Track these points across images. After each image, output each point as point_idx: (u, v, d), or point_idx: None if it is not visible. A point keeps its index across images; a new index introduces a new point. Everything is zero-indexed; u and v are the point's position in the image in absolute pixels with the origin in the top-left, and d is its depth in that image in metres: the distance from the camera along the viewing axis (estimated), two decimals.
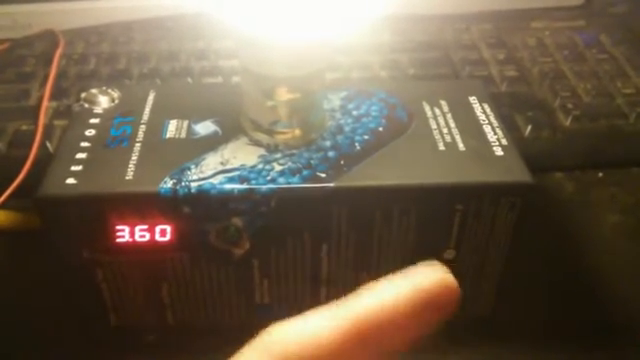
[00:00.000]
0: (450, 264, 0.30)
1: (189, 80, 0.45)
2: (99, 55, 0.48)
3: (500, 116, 0.32)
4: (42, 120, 0.41)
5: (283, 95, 0.28)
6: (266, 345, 0.18)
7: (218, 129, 0.30)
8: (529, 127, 0.42)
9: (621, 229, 0.38)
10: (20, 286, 0.35)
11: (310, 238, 0.29)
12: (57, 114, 0.42)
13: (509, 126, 0.39)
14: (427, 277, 0.19)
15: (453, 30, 0.52)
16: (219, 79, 0.46)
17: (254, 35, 0.27)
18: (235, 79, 0.46)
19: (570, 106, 0.43)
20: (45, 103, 0.42)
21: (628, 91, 0.45)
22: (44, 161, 0.38)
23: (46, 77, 0.45)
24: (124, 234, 0.28)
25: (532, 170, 0.28)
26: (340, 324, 0.18)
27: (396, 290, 0.19)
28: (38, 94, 0.44)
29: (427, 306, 0.19)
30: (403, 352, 0.19)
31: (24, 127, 0.42)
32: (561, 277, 0.35)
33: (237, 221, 0.28)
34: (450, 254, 0.29)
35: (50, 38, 0.49)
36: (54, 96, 0.44)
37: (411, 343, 0.19)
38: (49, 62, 0.47)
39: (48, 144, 0.40)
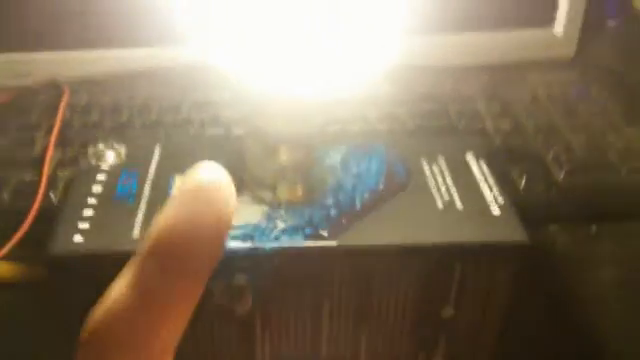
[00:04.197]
0: (449, 321, 0.30)
1: (191, 131, 0.46)
2: (102, 106, 0.49)
3: (496, 171, 0.32)
4: (46, 171, 0.42)
5: (286, 154, 0.29)
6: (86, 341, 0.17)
7: None
8: (523, 180, 0.43)
9: (615, 282, 0.39)
10: (20, 340, 0.35)
11: (312, 295, 0.29)
12: (61, 164, 0.43)
13: (504, 179, 0.40)
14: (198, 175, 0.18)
15: (448, 82, 0.53)
16: (220, 129, 0.47)
17: (258, 94, 0.28)
18: (236, 130, 0.47)
19: (563, 159, 0.44)
20: (49, 154, 0.43)
21: (620, 145, 0.46)
22: (48, 212, 0.39)
23: (50, 127, 0.46)
24: None
25: (527, 223, 0.29)
26: (132, 262, 0.18)
27: (172, 203, 0.18)
28: (42, 144, 0.45)
29: (206, 205, 0.17)
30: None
31: (27, 178, 0.42)
32: (558, 332, 0.35)
33: (240, 278, 0.28)
34: (449, 312, 0.30)
35: (54, 88, 0.50)
36: (58, 146, 0.44)
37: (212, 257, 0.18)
38: (53, 112, 0.47)
39: (52, 195, 0.41)
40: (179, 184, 0.18)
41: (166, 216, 0.17)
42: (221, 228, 0.18)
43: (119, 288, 0.18)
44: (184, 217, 0.17)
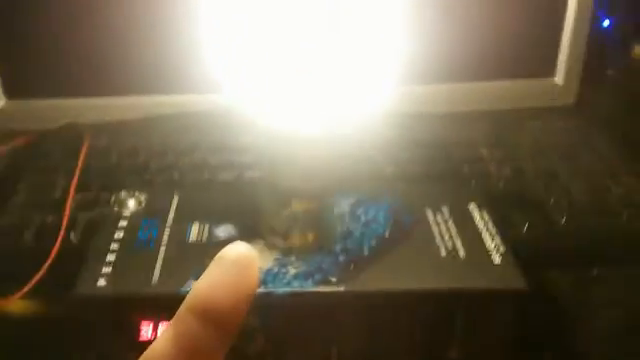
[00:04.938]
0: None
1: (205, 174, 0.48)
2: (120, 150, 0.51)
3: (498, 216, 0.34)
4: (68, 212, 0.43)
5: (298, 205, 0.31)
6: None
7: (236, 233, 0.32)
8: (525, 225, 0.44)
9: (616, 325, 0.40)
10: None
11: (321, 337, 0.31)
12: (80, 206, 0.45)
13: (506, 223, 0.42)
14: (231, 251, 0.22)
15: (452, 129, 0.55)
16: (233, 173, 0.49)
17: (271, 140, 0.30)
18: (248, 173, 0.48)
19: (564, 205, 0.46)
20: (71, 196, 0.44)
21: (620, 191, 0.48)
22: (68, 252, 0.41)
23: (70, 170, 0.48)
24: (147, 331, 0.30)
25: (528, 267, 0.30)
26: (177, 316, 0.21)
27: (209, 271, 0.22)
28: (63, 186, 0.47)
29: (231, 270, 0.22)
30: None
31: (49, 219, 0.44)
32: None
33: (253, 321, 0.30)
34: (453, 354, 0.31)
35: (74, 131, 0.52)
36: (78, 189, 0.46)
37: (241, 312, 0.22)
38: (73, 155, 0.49)
39: (72, 236, 0.42)
40: (219, 256, 0.22)
41: (208, 281, 0.21)
42: (249, 294, 0.22)
43: (162, 343, 0.21)
44: (223, 283, 0.21)
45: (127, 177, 0.48)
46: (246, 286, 0.22)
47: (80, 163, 0.47)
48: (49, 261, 0.40)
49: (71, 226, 0.43)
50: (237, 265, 0.22)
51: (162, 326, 0.30)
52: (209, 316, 0.21)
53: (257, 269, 0.22)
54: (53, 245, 0.41)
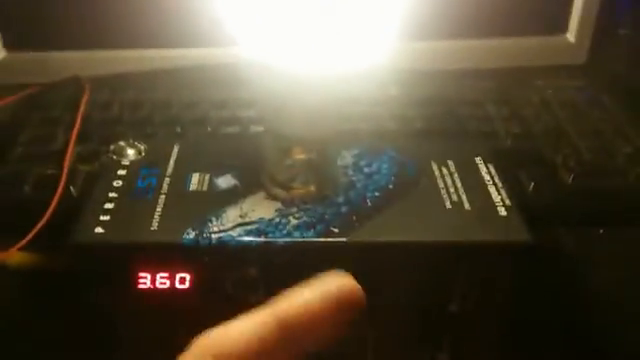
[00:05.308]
0: (455, 318, 0.31)
1: (208, 129, 0.48)
2: (123, 102, 0.51)
3: (504, 173, 0.33)
4: (67, 165, 0.43)
5: (301, 154, 0.30)
6: (199, 350, 0.22)
7: (238, 183, 0.32)
8: (532, 183, 0.43)
9: (620, 284, 0.39)
10: (39, 325, 0.36)
11: None
12: (81, 159, 0.44)
13: (512, 181, 0.41)
14: (336, 283, 0.23)
15: (458, 86, 0.54)
16: (237, 128, 0.48)
17: (276, 97, 0.29)
18: (252, 128, 0.48)
19: (572, 164, 0.45)
20: (71, 148, 0.44)
21: (628, 150, 0.47)
22: (67, 204, 0.40)
23: (71, 122, 0.47)
24: (146, 281, 0.30)
25: (534, 225, 0.30)
26: (265, 322, 0.22)
27: (312, 293, 0.23)
28: (63, 139, 0.46)
29: (337, 306, 0.23)
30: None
31: (49, 171, 0.43)
32: (562, 331, 0.36)
33: (253, 271, 0.29)
34: (455, 309, 0.31)
35: (76, 84, 0.52)
36: (79, 141, 0.46)
37: (325, 341, 0.23)
38: (74, 108, 0.49)
39: (72, 188, 0.42)
40: (317, 279, 0.24)
41: (304, 298, 0.23)
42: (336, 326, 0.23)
43: (238, 329, 0.22)
44: (322, 318, 0.23)
45: (129, 130, 0.47)
46: (340, 327, 0.23)
47: (80, 115, 0.46)
48: (48, 213, 0.40)
49: (71, 178, 0.43)
50: (339, 303, 0.23)
51: (160, 276, 0.29)
52: (293, 335, 0.22)
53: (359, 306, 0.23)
54: (52, 197, 0.41)
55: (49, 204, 0.40)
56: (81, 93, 0.50)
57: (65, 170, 0.43)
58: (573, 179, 0.44)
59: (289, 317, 0.22)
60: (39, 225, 0.39)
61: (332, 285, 0.23)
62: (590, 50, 0.57)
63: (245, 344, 0.22)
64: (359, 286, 0.24)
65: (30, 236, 0.39)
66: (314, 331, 0.22)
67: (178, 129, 0.48)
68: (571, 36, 0.56)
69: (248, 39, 0.29)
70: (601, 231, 0.43)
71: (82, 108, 0.48)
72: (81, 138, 0.46)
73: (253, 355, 0.22)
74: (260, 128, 0.47)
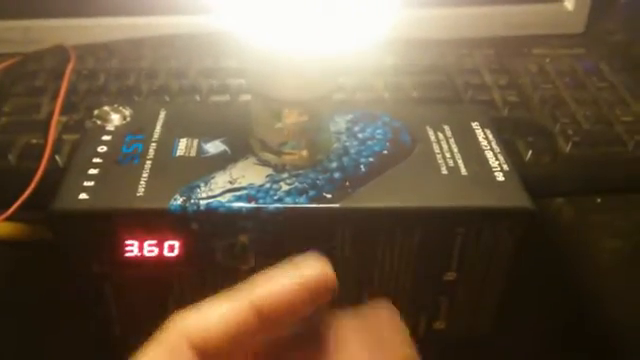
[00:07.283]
0: (451, 285, 0.31)
1: (197, 98, 0.46)
2: (109, 71, 0.49)
3: (501, 141, 0.32)
4: (52, 134, 0.42)
5: (291, 118, 0.29)
6: (174, 337, 0.21)
7: (227, 148, 0.31)
8: (529, 152, 0.43)
9: (618, 253, 0.39)
10: (27, 296, 0.35)
11: None
12: (66, 128, 0.43)
13: (510, 151, 0.40)
14: (311, 266, 0.24)
15: (455, 55, 0.53)
16: (227, 97, 0.47)
17: (265, 59, 0.28)
18: (243, 97, 0.46)
19: (570, 132, 0.44)
20: (55, 117, 0.43)
21: (627, 119, 0.46)
22: (53, 174, 0.39)
23: (56, 92, 0.46)
24: (133, 249, 0.29)
25: (532, 194, 0.29)
26: (240, 305, 0.22)
27: (287, 279, 0.23)
28: (48, 108, 0.45)
29: (311, 292, 0.23)
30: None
31: (34, 140, 0.42)
32: (559, 299, 0.36)
33: (243, 238, 0.29)
34: (451, 276, 0.30)
35: (61, 53, 0.50)
36: (64, 111, 0.44)
37: (298, 321, 0.24)
38: (59, 77, 0.47)
39: (57, 158, 0.41)
40: (292, 263, 0.24)
41: (280, 283, 0.23)
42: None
43: (216, 315, 0.22)
44: (297, 300, 0.23)
45: (115, 99, 0.46)
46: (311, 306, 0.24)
47: (65, 84, 0.45)
48: (34, 183, 0.39)
49: (57, 148, 0.41)
50: (314, 289, 0.23)
51: (147, 244, 0.28)
52: (269, 321, 0.23)
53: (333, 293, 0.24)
54: (38, 167, 0.40)
55: (34, 174, 0.39)
56: (66, 62, 0.48)
57: (50, 139, 0.42)
58: (571, 147, 0.43)
59: (265, 304, 0.22)
60: (24, 195, 0.38)
61: (307, 270, 0.24)
62: (589, 18, 0.56)
63: (223, 332, 0.22)
64: (332, 270, 0.24)
65: (15, 206, 0.38)
66: (289, 316, 0.23)
67: (166, 98, 0.46)
68: (569, 4, 0.55)
69: (238, 7, 0.28)
70: (598, 200, 0.42)
71: (68, 77, 0.47)
72: (66, 108, 0.45)
73: (231, 342, 0.22)
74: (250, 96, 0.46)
